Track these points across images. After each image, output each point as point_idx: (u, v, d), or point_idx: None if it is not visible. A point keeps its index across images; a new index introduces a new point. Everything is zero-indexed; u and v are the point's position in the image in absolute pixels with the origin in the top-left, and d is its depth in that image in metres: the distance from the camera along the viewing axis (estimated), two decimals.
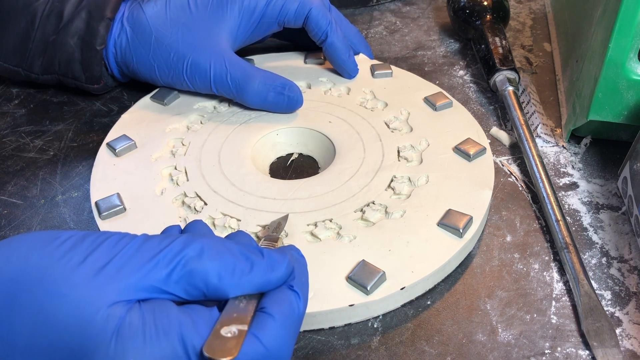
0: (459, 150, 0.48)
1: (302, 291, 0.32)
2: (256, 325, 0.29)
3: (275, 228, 0.41)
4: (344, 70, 0.56)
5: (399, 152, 0.48)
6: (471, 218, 0.42)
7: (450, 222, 0.42)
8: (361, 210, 0.44)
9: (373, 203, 0.44)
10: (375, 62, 0.58)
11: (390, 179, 0.46)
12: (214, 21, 0.52)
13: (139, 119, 0.52)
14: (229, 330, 0.28)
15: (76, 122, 0.56)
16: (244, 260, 0.30)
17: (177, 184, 0.46)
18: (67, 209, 0.47)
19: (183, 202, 0.45)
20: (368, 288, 0.38)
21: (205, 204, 0.44)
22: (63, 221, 0.46)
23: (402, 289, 0.39)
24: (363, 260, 0.39)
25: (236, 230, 0.42)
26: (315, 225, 0.42)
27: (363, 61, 0.58)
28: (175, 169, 0.47)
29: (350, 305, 0.38)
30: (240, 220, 0.43)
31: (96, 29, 0.52)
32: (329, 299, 0.38)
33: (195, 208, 0.44)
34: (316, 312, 0.37)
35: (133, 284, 0.28)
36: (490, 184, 0.45)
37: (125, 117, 0.52)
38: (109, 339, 0.27)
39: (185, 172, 0.47)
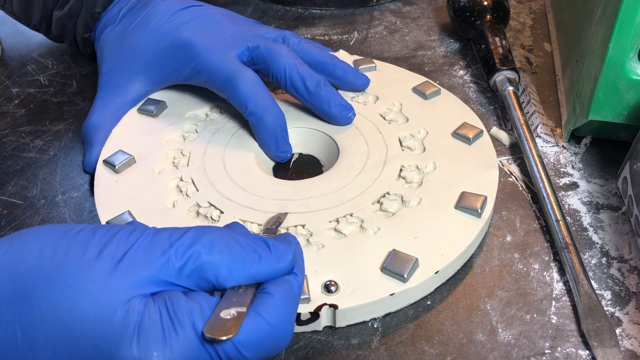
0: (458, 135, 0.49)
1: (300, 272, 0.33)
2: (258, 304, 0.30)
3: (275, 222, 0.41)
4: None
5: (400, 142, 0.49)
6: (486, 198, 0.43)
7: (467, 204, 0.43)
8: (378, 201, 0.44)
9: (388, 194, 0.44)
10: (357, 57, 0.58)
11: (399, 169, 0.46)
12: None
13: (130, 133, 0.50)
14: (228, 313, 0.29)
15: (76, 122, 0.56)
16: (252, 252, 0.31)
17: (187, 195, 0.45)
18: (67, 209, 0.47)
19: (198, 213, 0.44)
20: (405, 276, 0.38)
21: (222, 212, 0.43)
22: (63, 221, 0.46)
23: (436, 272, 0.39)
24: (394, 249, 0.40)
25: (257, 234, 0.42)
26: (337, 221, 0.43)
27: (345, 57, 0.58)
28: (182, 180, 0.46)
29: (391, 295, 0.38)
30: (261, 225, 0.42)
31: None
32: (369, 292, 0.38)
33: (212, 217, 0.43)
34: (358, 305, 0.38)
35: (147, 279, 0.29)
36: (495, 163, 0.46)
37: (115, 131, 0.50)
38: (132, 334, 0.27)
39: (193, 183, 0.46)
